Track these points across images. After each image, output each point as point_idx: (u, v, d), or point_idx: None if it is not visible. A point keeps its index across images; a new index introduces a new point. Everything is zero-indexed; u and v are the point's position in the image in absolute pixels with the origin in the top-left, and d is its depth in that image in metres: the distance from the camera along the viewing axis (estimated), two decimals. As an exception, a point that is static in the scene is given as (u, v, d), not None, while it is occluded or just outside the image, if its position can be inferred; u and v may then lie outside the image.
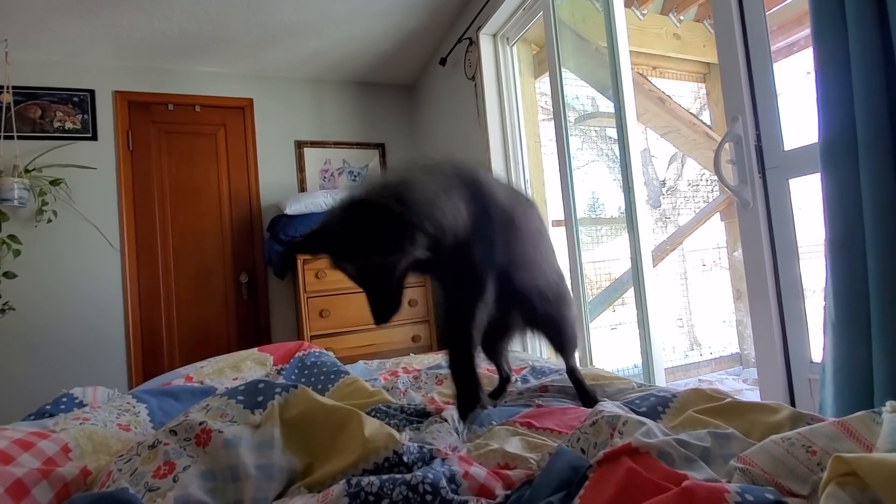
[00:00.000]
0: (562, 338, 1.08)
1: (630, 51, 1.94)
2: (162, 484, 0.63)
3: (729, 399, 0.83)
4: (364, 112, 3.61)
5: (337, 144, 3.50)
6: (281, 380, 1.25)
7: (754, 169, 1.32)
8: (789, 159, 1.26)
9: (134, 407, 0.99)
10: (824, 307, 1.04)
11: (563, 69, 2.22)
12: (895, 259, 0.90)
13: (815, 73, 1.01)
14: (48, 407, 1.08)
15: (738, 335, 3.20)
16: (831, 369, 1.01)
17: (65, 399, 1.12)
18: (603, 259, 2.73)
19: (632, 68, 1.99)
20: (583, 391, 1.06)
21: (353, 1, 2.59)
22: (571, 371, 1.09)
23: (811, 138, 1.19)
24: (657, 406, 0.88)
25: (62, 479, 0.67)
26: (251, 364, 1.46)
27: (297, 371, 1.32)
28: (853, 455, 0.45)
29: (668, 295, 3.65)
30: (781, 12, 2.43)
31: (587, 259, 2.24)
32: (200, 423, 0.71)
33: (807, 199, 1.32)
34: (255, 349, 1.58)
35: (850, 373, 0.97)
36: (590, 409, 0.81)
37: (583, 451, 0.70)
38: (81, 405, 1.11)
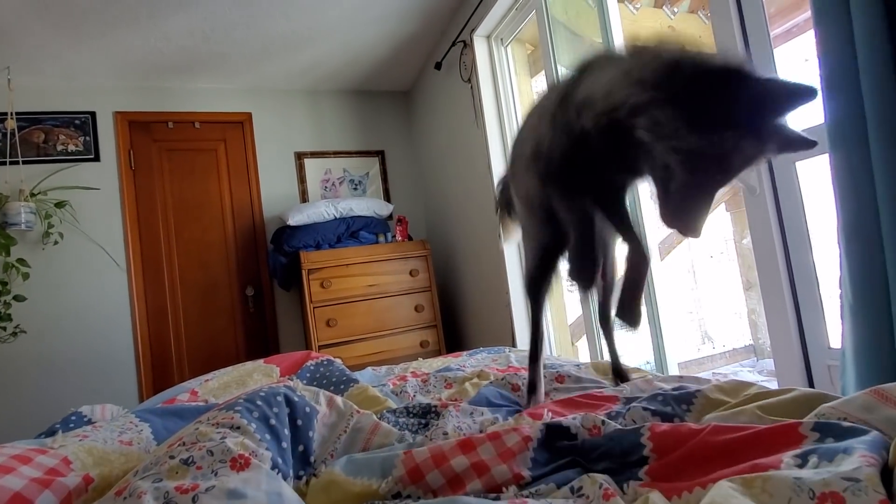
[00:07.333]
0: None
1: (626, 44, 1.93)
2: (181, 500, 0.59)
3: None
4: (362, 120, 3.61)
5: (337, 154, 3.50)
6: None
7: (759, 154, 1.29)
8: (795, 143, 1.23)
9: (136, 426, 0.97)
10: (840, 293, 1.02)
11: (558, 66, 2.20)
12: (912, 238, 0.87)
13: (818, 54, 0.99)
14: (57, 426, 1.08)
15: (750, 326, 3.16)
16: (851, 353, 0.98)
17: (73, 417, 1.11)
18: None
19: (628, 62, 1.97)
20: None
21: (344, 9, 2.59)
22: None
23: (815, 121, 1.17)
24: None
25: (65, 487, 0.66)
26: (258, 377, 1.44)
27: (306, 382, 1.30)
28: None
29: (677, 289, 3.61)
30: (778, -3, 2.40)
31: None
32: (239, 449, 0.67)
33: (815, 183, 1.30)
34: (262, 360, 1.56)
35: (871, 355, 0.94)
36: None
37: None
38: (90, 422, 1.10)
